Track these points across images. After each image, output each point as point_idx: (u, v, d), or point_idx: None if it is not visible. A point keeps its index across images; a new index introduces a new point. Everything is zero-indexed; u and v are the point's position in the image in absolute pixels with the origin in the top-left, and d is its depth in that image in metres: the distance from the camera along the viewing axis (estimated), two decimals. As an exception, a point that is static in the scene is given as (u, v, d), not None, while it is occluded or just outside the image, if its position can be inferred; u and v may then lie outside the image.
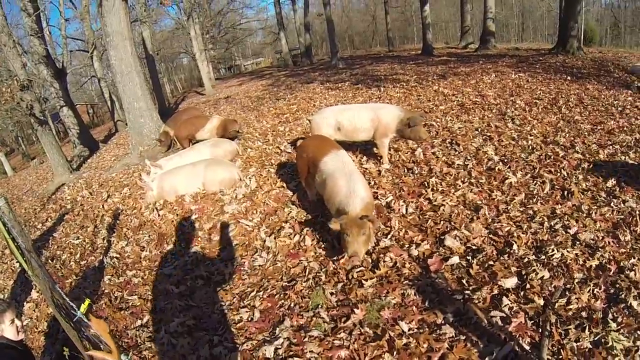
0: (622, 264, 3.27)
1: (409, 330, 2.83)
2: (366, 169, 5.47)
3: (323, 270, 3.66)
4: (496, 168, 5.01)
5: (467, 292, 3.09)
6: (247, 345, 3.01)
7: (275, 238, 4.29)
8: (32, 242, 5.39)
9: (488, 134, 6.19)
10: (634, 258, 3.31)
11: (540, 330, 2.71)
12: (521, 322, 2.79)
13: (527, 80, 9.57)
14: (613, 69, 10.77)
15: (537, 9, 37.22)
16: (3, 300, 2.86)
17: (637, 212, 3.92)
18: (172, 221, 5.31)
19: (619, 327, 2.70)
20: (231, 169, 5.81)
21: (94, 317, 2.30)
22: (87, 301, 2.52)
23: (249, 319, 3.28)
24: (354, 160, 5.22)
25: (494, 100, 8.05)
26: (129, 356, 2.33)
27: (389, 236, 3.91)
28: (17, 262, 4.95)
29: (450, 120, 7.10)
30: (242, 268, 4.00)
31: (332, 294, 3.32)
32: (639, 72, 9.61)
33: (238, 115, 11.02)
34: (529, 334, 2.71)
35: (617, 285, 3.06)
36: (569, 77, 9.66)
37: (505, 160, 5.23)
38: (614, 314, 2.81)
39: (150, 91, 11.11)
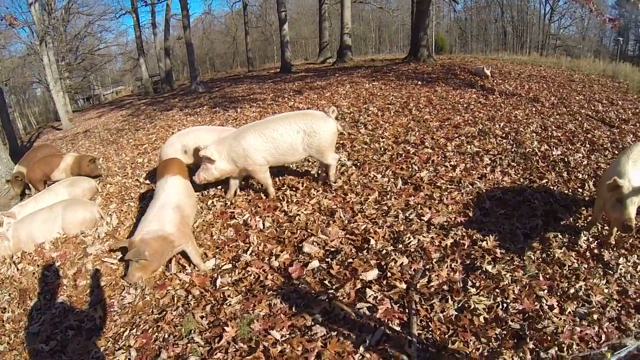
0: (474, 237, 3.84)
1: (281, 337, 2.97)
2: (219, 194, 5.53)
3: (190, 295, 3.69)
4: (349, 172, 5.39)
5: (330, 291, 3.31)
6: (126, 387, 2.91)
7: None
8: None
9: (341, 141, 6.52)
10: (484, 230, 3.92)
11: (407, 311, 3.03)
12: (387, 307, 3.07)
13: (380, 88, 10.35)
14: (459, 72, 12.27)
15: (392, 23, 40.74)
16: None
17: (484, 191, 4.65)
18: (34, 273, 4.86)
19: (479, 291, 3.16)
20: (91, 207, 5.49)
21: None
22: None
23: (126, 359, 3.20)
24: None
25: (347, 109, 8.54)
26: None
27: (248, 252, 4.05)
28: None
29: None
30: (112, 309, 3.84)
31: (202, 317, 3.36)
32: (481, 73, 11.14)
33: (97, 150, 10.38)
34: (397, 316, 3.00)
35: (472, 256, 3.58)
36: (419, 82, 10.72)
37: (358, 164, 5.64)
38: (472, 280, 3.28)
39: (-3, 129, 10.00)
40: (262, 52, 42.75)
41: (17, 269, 5.05)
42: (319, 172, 5.45)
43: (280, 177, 5.51)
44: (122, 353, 3.25)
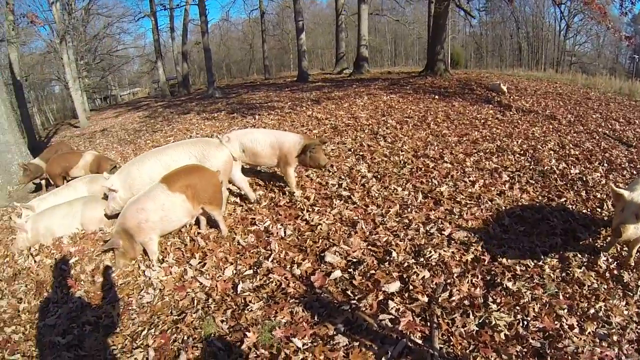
0: (494, 253, 3.81)
1: (303, 345, 2.95)
2: (241, 195, 5.53)
3: (210, 299, 3.67)
4: (370, 184, 5.41)
5: (353, 301, 3.29)
6: (144, 386, 2.89)
7: (158, 273, 4.20)
8: None
9: (361, 153, 6.61)
10: (504, 247, 3.91)
11: (429, 324, 3.00)
12: (410, 320, 3.05)
13: (398, 101, 10.43)
14: (476, 87, 12.32)
15: (408, 36, 40.86)
16: None
17: (503, 208, 4.63)
18: (51, 266, 4.88)
19: (499, 307, 3.14)
20: None
21: None
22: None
23: (144, 359, 3.17)
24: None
25: (366, 121, 8.61)
26: None
27: (270, 259, 4.04)
28: None
29: (324, 142, 7.39)
30: (130, 307, 3.83)
31: (222, 321, 3.34)
32: (497, 89, 11.14)
33: (115, 149, 10.49)
34: (419, 329, 2.97)
35: (492, 272, 3.56)
36: (436, 96, 10.77)
37: (379, 176, 5.67)
38: (493, 296, 3.26)
39: (18, 123, 10.14)
40: (278, 61, 43.04)
41: (35, 261, 5.08)
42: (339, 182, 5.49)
43: (302, 187, 5.54)
44: (140, 352, 3.24)
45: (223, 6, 73.19)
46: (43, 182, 7.93)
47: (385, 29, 43.87)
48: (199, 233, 4.74)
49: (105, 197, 5.22)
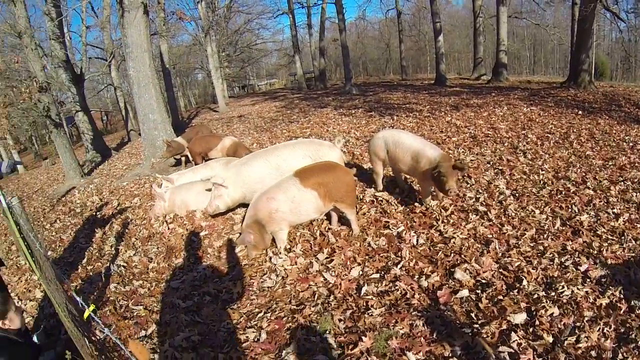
0: (632, 303, 3.24)
1: (416, 361, 2.79)
2: (377, 197, 5.49)
3: (332, 296, 3.65)
4: (507, 202, 5.03)
5: (475, 326, 3.05)
6: (252, 366, 2.97)
7: (284, 261, 4.30)
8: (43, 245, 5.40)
9: (500, 167, 6.24)
10: None
11: None
12: (529, 358, 2.74)
13: (538, 114, 9.69)
14: (624, 103, 10.89)
15: (548, 42, 37.45)
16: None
17: None
18: (182, 235, 5.33)
19: None
20: None
21: (133, 343, 2.30)
22: (92, 306, 2.51)
23: (256, 339, 3.26)
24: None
25: (505, 133, 8.15)
26: None
27: (399, 265, 3.90)
28: (23, 260, 4.95)
29: (462, 152, 7.16)
30: (250, 288, 3.99)
31: (340, 320, 3.29)
32: None
33: (251, 136, 11.12)
34: None
35: (628, 325, 3.03)
36: (580, 112, 9.75)
37: (517, 195, 5.25)
38: (624, 353, 2.77)
39: (165, 104, 11.28)
40: (415, 62, 42.55)
41: (168, 228, 5.58)
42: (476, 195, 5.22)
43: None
44: (253, 332, 3.34)
45: (359, 5, 74.61)
46: (183, 158, 8.73)
47: (524, 34, 40.91)
48: (329, 228, 4.79)
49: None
